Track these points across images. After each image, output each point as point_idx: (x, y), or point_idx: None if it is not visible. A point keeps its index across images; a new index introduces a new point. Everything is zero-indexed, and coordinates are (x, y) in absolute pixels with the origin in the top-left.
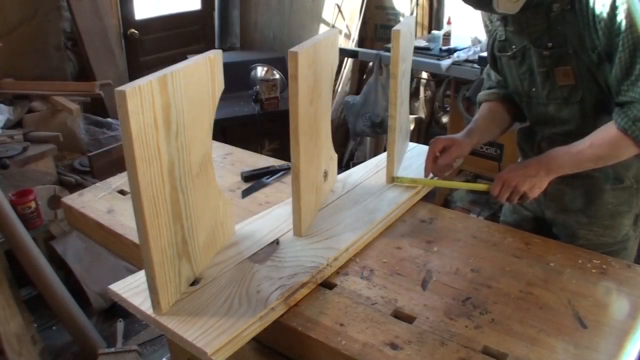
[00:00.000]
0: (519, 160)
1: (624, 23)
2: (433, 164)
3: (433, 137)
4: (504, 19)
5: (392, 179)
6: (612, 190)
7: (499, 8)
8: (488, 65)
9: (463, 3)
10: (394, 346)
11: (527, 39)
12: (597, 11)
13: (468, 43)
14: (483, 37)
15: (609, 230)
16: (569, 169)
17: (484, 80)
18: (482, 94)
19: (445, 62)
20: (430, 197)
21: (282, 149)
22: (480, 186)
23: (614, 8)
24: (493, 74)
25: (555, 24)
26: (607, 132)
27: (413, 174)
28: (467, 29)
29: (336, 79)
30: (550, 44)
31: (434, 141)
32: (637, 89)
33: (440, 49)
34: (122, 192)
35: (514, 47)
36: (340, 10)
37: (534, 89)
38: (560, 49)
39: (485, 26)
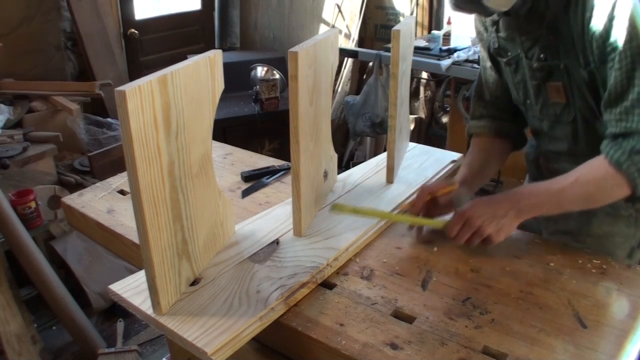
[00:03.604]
0: (527, 178)
1: (620, 37)
2: (421, 207)
3: (432, 140)
4: (496, 24)
5: (332, 207)
6: (606, 217)
7: (489, 2)
8: (476, 83)
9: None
10: (394, 346)
11: (520, 48)
12: (592, 21)
13: (468, 43)
14: None
15: None
16: (546, 210)
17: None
18: (472, 126)
19: (445, 62)
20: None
21: (282, 149)
22: (435, 223)
23: (610, 18)
24: (487, 93)
25: (548, 34)
26: (597, 167)
27: (413, 174)
28: (467, 29)
29: (336, 79)
30: (542, 56)
31: (437, 183)
32: (634, 117)
33: (440, 49)
34: (122, 192)
35: (509, 54)
36: (340, 10)
37: (528, 101)
38: (552, 63)
39: (479, 34)
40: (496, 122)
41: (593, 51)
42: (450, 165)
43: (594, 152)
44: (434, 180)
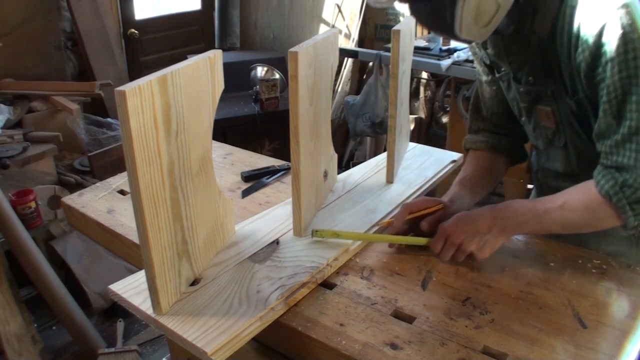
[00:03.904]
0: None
1: (609, 67)
2: (400, 225)
3: (432, 140)
4: (484, 41)
5: (313, 233)
6: (605, 236)
7: (461, 34)
8: (473, 97)
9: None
10: (394, 346)
11: (508, 69)
12: (579, 50)
13: None
14: None
15: None
16: (530, 229)
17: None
18: (469, 140)
19: (445, 62)
20: (430, 197)
21: (282, 149)
22: (418, 240)
23: (598, 46)
24: (484, 109)
25: (535, 59)
26: (587, 193)
27: (413, 174)
28: None
29: (336, 79)
30: (530, 79)
31: (418, 201)
32: (625, 151)
33: (440, 49)
34: (122, 192)
35: (502, 69)
36: (340, 10)
37: (522, 119)
38: (539, 88)
39: (472, 47)
40: (493, 137)
41: (581, 80)
42: (451, 165)
43: (589, 175)
44: (434, 180)
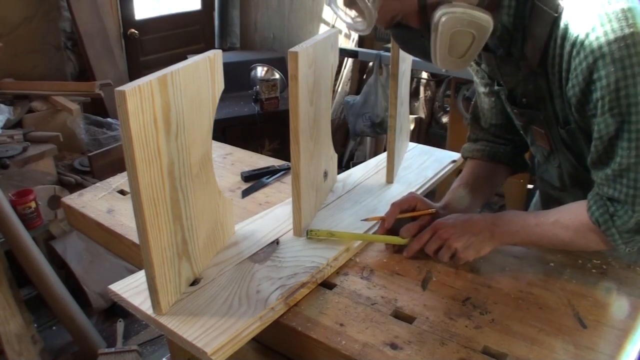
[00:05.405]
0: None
1: (601, 104)
2: (392, 218)
3: (432, 140)
4: (479, 56)
5: (307, 233)
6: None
7: (438, 64)
8: (472, 105)
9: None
10: (394, 346)
11: (504, 86)
12: (570, 84)
13: None
14: None
15: None
16: (520, 240)
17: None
18: (467, 148)
19: None
20: (430, 197)
21: (282, 149)
22: (406, 240)
23: (588, 83)
24: (482, 120)
25: (527, 82)
26: (579, 215)
27: (413, 174)
28: None
29: (336, 79)
30: (524, 100)
31: (408, 199)
32: (617, 185)
33: None
34: (122, 192)
35: (501, 83)
36: None
37: (521, 131)
38: (533, 111)
39: None
40: (492, 145)
41: (572, 113)
42: (451, 165)
43: (582, 194)
44: (434, 180)
